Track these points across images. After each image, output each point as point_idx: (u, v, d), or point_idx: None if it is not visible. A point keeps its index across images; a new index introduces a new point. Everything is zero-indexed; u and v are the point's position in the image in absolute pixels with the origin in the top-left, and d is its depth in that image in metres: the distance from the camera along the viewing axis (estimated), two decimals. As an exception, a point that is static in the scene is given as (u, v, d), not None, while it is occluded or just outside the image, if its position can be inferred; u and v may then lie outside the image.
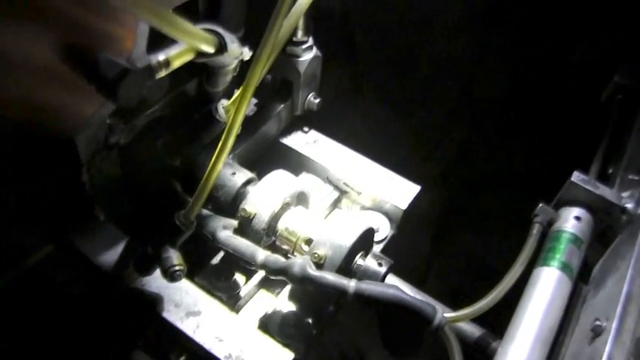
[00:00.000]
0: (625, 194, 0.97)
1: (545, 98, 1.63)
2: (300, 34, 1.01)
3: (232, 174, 0.94)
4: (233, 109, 0.75)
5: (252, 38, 0.81)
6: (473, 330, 0.89)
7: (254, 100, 1.14)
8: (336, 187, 1.10)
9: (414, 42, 1.69)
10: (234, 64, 0.79)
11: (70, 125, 0.61)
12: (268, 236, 0.91)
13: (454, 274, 2.05)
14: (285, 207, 0.91)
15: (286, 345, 0.83)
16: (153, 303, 0.85)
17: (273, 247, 0.92)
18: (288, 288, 0.94)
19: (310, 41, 1.04)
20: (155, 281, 0.87)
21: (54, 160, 0.86)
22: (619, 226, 0.95)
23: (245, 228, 0.89)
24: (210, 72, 0.82)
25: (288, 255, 0.92)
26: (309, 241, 0.88)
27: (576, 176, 0.96)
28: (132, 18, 0.55)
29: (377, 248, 1.02)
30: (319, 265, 0.83)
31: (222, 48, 0.70)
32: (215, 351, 0.81)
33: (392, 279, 0.91)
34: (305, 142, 1.14)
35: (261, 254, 0.83)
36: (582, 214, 0.96)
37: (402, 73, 1.77)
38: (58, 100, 0.56)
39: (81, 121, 0.61)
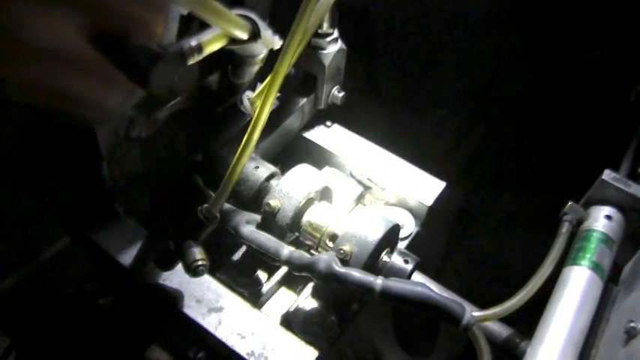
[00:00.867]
0: (656, 194, 0.95)
1: (567, 97, 1.61)
2: (325, 25, 0.99)
3: (255, 168, 0.92)
4: (259, 102, 0.73)
5: (277, 28, 0.79)
6: (501, 330, 0.87)
7: (277, 94, 1.12)
8: (360, 183, 1.08)
9: (435, 39, 1.67)
10: (263, 53, 0.77)
11: (97, 114, 0.60)
12: (292, 231, 0.90)
13: (470, 272, 2.04)
14: (309, 202, 0.89)
15: (309, 342, 0.82)
16: (174, 299, 0.84)
17: (296, 243, 0.91)
18: (311, 285, 0.93)
19: (335, 33, 1.02)
20: (176, 276, 0.85)
21: (74, 153, 0.85)
22: (652, 226, 0.92)
23: (268, 223, 0.88)
24: (236, 63, 0.80)
25: (312, 251, 0.90)
26: (333, 237, 0.87)
27: (608, 174, 0.94)
28: (163, 1, 0.53)
29: (401, 245, 1.00)
30: (345, 262, 0.82)
31: (255, 35, 0.68)
32: (237, 348, 0.79)
33: (418, 276, 0.89)
34: (328, 136, 1.12)
35: (286, 250, 0.82)
36: (613, 214, 0.93)
37: (422, 70, 1.75)
38: (85, 87, 0.55)
39: (107, 110, 0.60)
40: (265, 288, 0.92)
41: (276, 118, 1.06)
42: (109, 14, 0.50)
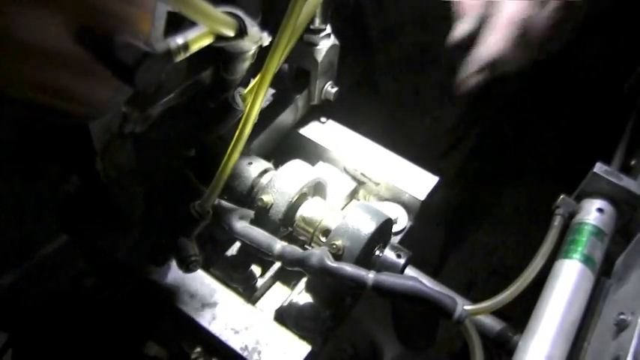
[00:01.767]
0: (649, 186, 0.95)
1: (564, 90, 1.61)
2: (317, 21, 0.99)
3: (249, 164, 0.92)
4: (250, 98, 0.74)
5: (269, 25, 0.79)
6: (493, 323, 0.88)
7: (271, 90, 1.12)
8: (354, 178, 1.08)
9: (432, 35, 1.67)
10: (253, 49, 0.77)
11: (87, 110, 0.60)
12: (285, 227, 0.90)
13: (468, 268, 2.05)
14: (302, 197, 0.90)
15: (303, 337, 0.82)
16: (168, 294, 0.85)
17: (290, 238, 0.91)
18: (304, 280, 0.93)
19: (328, 29, 1.02)
20: (170, 272, 0.86)
21: (67, 149, 0.86)
22: (643, 218, 0.93)
23: (261, 218, 0.88)
24: (227, 59, 0.80)
25: (305, 246, 0.90)
26: (326, 232, 0.87)
27: (599, 167, 0.94)
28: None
29: (395, 239, 1.00)
30: (337, 257, 0.82)
31: (242, 32, 0.68)
32: (231, 342, 0.80)
33: (410, 271, 0.90)
34: (322, 132, 1.12)
35: (278, 245, 0.82)
36: (605, 206, 0.94)
37: (419, 66, 1.75)
38: (74, 84, 0.55)
39: (97, 106, 0.60)
40: (259, 283, 0.93)
41: (269, 113, 1.06)
42: (96, 12, 0.51)
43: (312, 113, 1.15)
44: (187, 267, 0.78)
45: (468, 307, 0.81)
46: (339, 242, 0.82)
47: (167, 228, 0.81)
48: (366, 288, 0.78)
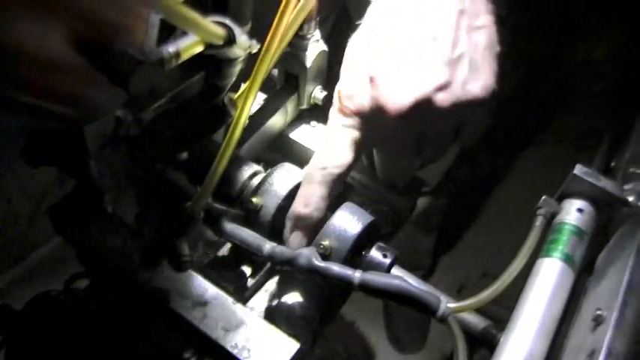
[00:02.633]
0: (627, 187, 0.98)
1: (548, 93, 1.64)
2: (306, 27, 1.01)
3: (239, 167, 0.95)
4: (240, 102, 0.77)
5: (260, 31, 0.82)
6: (477, 321, 0.90)
7: (261, 95, 1.15)
8: (342, 181, 1.11)
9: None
10: (242, 56, 0.80)
11: (82, 115, 0.63)
12: (275, 228, 0.92)
13: (459, 270, 2.07)
14: (291, 199, 0.92)
15: (292, 335, 0.85)
16: (160, 293, 0.87)
17: (280, 239, 0.93)
18: (294, 279, 0.95)
19: (317, 35, 1.05)
20: (162, 272, 0.88)
21: (62, 152, 0.88)
22: (621, 218, 0.95)
23: (251, 220, 0.91)
24: (217, 65, 0.83)
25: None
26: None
27: (579, 169, 0.97)
28: (144, 10, 0.56)
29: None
30: (325, 257, 0.85)
31: (230, 40, 0.71)
32: (221, 341, 0.82)
33: (397, 270, 0.92)
34: (312, 136, 1.15)
35: (268, 245, 0.85)
36: (585, 207, 0.96)
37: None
38: (71, 88, 0.58)
39: (92, 110, 0.63)
40: (250, 282, 0.95)
41: (259, 117, 1.08)
42: (94, 22, 0.53)
43: (303, 117, 1.17)
44: (179, 267, 0.81)
45: (451, 305, 0.83)
46: (326, 243, 0.85)
47: (160, 229, 0.84)
48: (353, 286, 0.80)
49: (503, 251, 2.01)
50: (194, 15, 0.61)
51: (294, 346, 0.83)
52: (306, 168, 0.94)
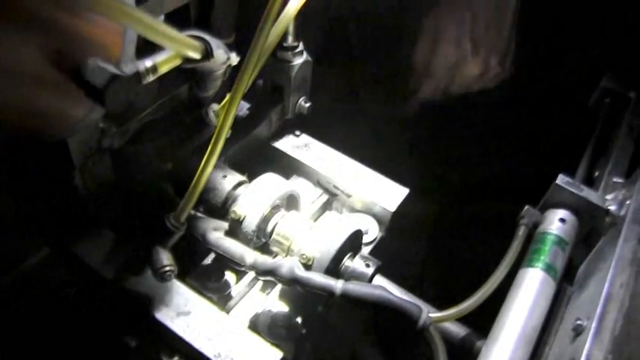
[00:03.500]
0: (609, 197, 0.99)
1: (538, 104, 1.65)
2: (290, 39, 1.03)
3: (223, 177, 0.95)
4: (222, 114, 0.77)
5: (245, 43, 0.83)
6: (458, 330, 0.91)
7: (247, 105, 1.15)
8: (327, 190, 1.12)
9: (408, 56, 1.70)
10: (221, 69, 0.81)
11: (61, 129, 0.63)
12: (258, 238, 0.93)
13: (450, 279, 2.07)
14: (274, 209, 0.93)
15: (275, 344, 0.85)
16: (145, 303, 0.87)
17: (266, 249, 0.94)
18: (278, 288, 0.96)
19: (300, 46, 1.06)
20: (147, 282, 0.88)
21: (47, 163, 0.88)
22: (603, 228, 0.96)
23: (235, 230, 0.91)
24: (199, 77, 0.84)
25: (279, 256, 0.93)
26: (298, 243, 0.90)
27: (561, 179, 0.98)
28: (119, 25, 0.57)
29: (366, 250, 1.03)
30: (307, 266, 0.85)
31: (208, 54, 0.72)
32: (204, 350, 0.82)
33: (380, 280, 0.93)
34: (296, 145, 1.16)
35: (251, 255, 0.85)
36: (567, 217, 0.97)
37: (398, 84, 1.78)
38: (48, 103, 0.58)
39: (71, 124, 0.63)
40: (234, 292, 0.96)
41: (245, 127, 1.09)
42: (68, 37, 0.54)
43: (288, 127, 1.18)
44: (162, 277, 0.81)
45: (433, 315, 0.84)
46: (308, 253, 0.85)
47: (144, 239, 0.84)
48: (335, 296, 0.81)
49: (493, 261, 2.01)
50: (169, 30, 0.62)
51: (276, 355, 0.83)
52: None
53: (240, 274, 0.97)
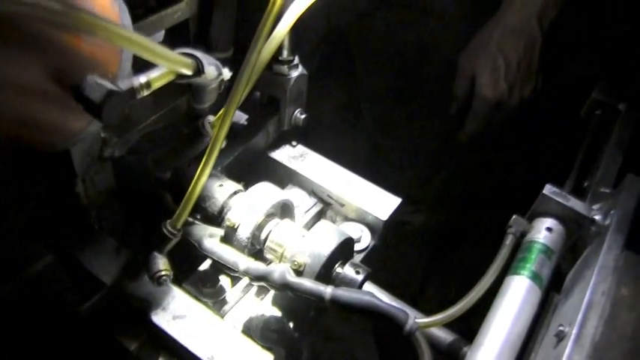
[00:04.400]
0: (595, 206, 1.01)
1: (536, 115, 1.67)
2: (285, 53, 1.06)
3: (220, 186, 0.98)
4: (217, 125, 0.80)
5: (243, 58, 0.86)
6: (445, 336, 0.93)
7: (245, 116, 1.19)
8: (321, 200, 1.15)
9: (410, 70, 1.73)
10: (214, 84, 0.84)
11: (61, 140, 0.67)
12: (253, 245, 0.96)
13: (451, 288, 2.08)
14: (268, 218, 0.96)
15: (267, 348, 0.88)
16: (142, 307, 0.90)
17: (261, 256, 0.97)
18: (271, 294, 0.99)
19: (296, 60, 1.09)
20: (145, 287, 0.91)
21: (50, 171, 0.92)
22: (589, 237, 0.98)
23: (230, 237, 0.94)
24: (195, 91, 0.87)
25: (273, 263, 0.96)
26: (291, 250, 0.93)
27: (548, 189, 1.01)
28: (116, 47, 0.61)
29: (358, 258, 1.06)
30: (299, 272, 0.88)
31: (199, 71, 0.75)
32: (198, 352, 0.85)
33: (369, 287, 0.95)
34: (292, 156, 1.19)
35: (244, 262, 0.88)
36: (554, 226, 1.00)
37: (400, 96, 1.80)
38: (49, 117, 0.62)
39: (71, 136, 0.67)
40: (229, 297, 0.99)
41: (242, 137, 1.13)
42: (67, 55, 0.57)
43: (285, 138, 1.21)
44: (158, 282, 0.84)
45: (419, 320, 0.87)
46: (300, 259, 0.88)
47: (142, 245, 0.87)
48: (325, 301, 0.84)
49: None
50: (162, 49, 0.65)
51: (267, 358, 0.86)
52: None
53: (235, 280, 1.00)
